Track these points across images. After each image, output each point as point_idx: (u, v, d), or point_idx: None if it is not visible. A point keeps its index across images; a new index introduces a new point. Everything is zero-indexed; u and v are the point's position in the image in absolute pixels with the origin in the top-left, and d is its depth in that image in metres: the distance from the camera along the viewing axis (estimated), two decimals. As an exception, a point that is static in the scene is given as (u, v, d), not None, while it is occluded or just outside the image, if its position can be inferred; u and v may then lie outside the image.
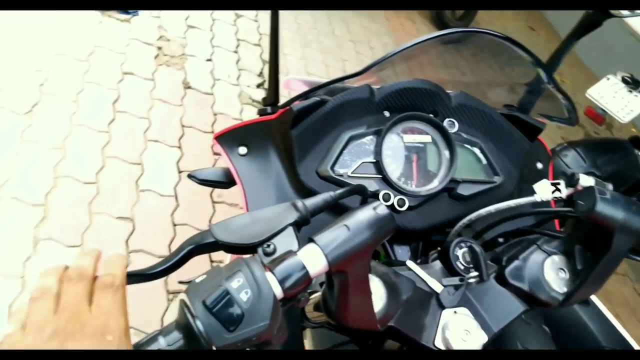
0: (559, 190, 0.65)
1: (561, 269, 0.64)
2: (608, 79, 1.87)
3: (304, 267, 0.46)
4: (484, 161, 0.80)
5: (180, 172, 2.19)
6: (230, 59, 2.89)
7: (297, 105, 0.73)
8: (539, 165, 0.90)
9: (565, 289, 0.63)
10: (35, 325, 0.39)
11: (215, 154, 2.35)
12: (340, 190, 0.59)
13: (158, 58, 2.61)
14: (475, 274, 0.64)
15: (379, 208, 0.50)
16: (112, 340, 0.38)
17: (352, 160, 0.76)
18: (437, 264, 0.67)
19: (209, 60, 2.79)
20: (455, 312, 0.62)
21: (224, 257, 0.72)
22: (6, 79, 2.09)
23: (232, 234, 0.51)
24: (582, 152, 1.02)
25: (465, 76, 0.97)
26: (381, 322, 0.57)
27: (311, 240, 0.48)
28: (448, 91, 0.79)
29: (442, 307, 0.62)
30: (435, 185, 0.77)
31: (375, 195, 0.75)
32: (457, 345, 0.59)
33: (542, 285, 0.63)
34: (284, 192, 0.77)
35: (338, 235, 0.48)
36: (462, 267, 0.65)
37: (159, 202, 2.05)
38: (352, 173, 0.76)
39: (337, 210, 0.71)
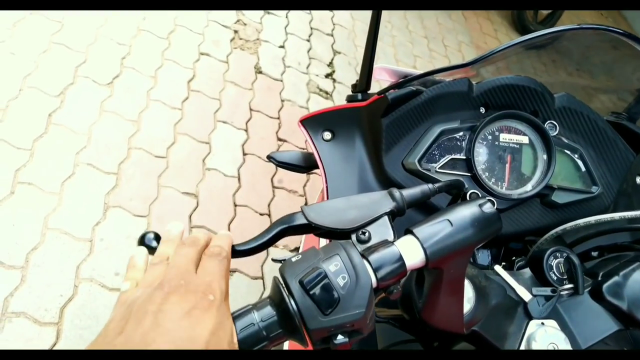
0: (674, 207, 0.59)
1: None
2: None
3: (400, 259, 0.44)
4: (583, 169, 0.75)
5: (245, 154, 2.23)
6: (302, 47, 2.90)
7: (392, 93, 0.71)
8: (638, 180, 0.83)
9: None
10: (147, 282, 0.40)
11: (280, 139, 2.38)
12: (439, 184, 0.56)
13: (234, 41, 2.66)
14: (569, 286, 0.60)
15: (486, 206, 0.48)
16: (213, 301, 0.38)
17: (440, 155, 0.73)
18: (527, 272, 0.64)
19: (282, 47, 2.81)
20: (542, 323, 0.59)
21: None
22: (91, 51, 2.19)
23: (325, 217, 0.50)
24: None
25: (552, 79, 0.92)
26: (467, 325, 0.55)
27: (409, 231, 0.47)
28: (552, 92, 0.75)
29: (530, 318, 0.59)
30: (528, 189, 0.73)
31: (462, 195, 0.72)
32: (543, 358, 0.56)
33: None
34: (366, 181, 0.76)
35: (439, 229, 0.46)
36: (555, 278, 0.61)
37: (222, 182, 2.09)
38: (439, 168, 0.73)
39: (422, 206, 0.69)
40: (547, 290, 0.60)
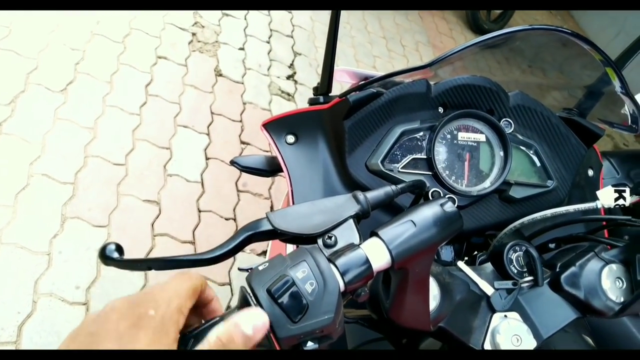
0: (623, 198, 0.62)
1: (619, 278, 0.62)
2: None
3: (367, 261, 0.45)
4: (538, 164, 0.77)
5: (207, 159, 2.20)
6: (262, 49, 2.88)
7: (353, 96, 0.71)
8: (590, 172, 0.87)
9: (622, 299, 0.61)
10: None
11: (243, 142, 2.36)
12: (402, 185, 0.57)
13: (192, 44, 2.62)
14: (529, 278, 0.62)
15: (447, 205, 0.49)
16: (153, 316, 0.38)
17: (402, 155, 0.75)
18: (488, 267, 0.65)
19: (241, 49, 2.79)
20: (505, 316, 0.61)
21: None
22: (43, 57, 2.11)
23: (290, 222, 0.50)
24: (615, 163, 1.00)
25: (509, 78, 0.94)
26: (433, 322, 0.56)
27: (375, 234, 0.47)
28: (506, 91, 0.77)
29: (493, 311, 0.61)
30: (486, 185, 0.75)
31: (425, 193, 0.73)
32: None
33: (598, 293, 0.61)
34: (331, 183, 0.76)
35: (404, 230, 0.46)
36: (515, 271, 0.63)
37: (185, 188, 2.06)
38: (402, 168, 0.74)
39: (387, 207, 0.70)
40: (508, 284, 0.62)
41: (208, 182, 2.11)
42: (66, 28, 2.27)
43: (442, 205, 0.49)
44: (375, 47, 3.52)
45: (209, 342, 0.39)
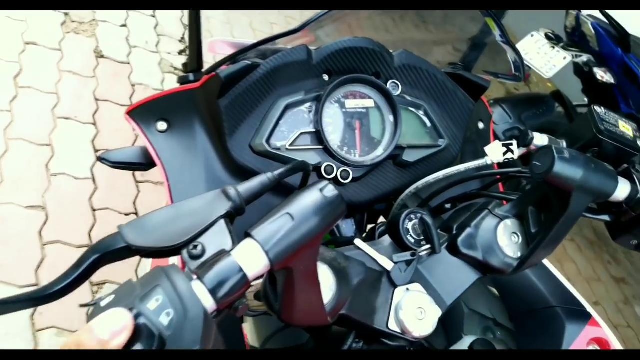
0: (511, 151, 0.61)
1: (514, 233, 0.62)
2: (532, 35, 1.90)
3: (240, 270, 0.38)
4: (429, 124, 0.75)
5: (96, 151, 2.02)
6: (148, 23, 2.66)
7: (225, 70, 0.64)
8: (481, 125, 0.87)
9: (519, 254, 0.61)
10: None
11: (137, 129, 2.18)
12: (279, 170, 0.51)
13: (65, 25, 2.36)
14: (427, 246, 0.60)
15: (327, 189, 0.43)
16: None
17: (289, 131, 0.69)
18: (387, 240, 0.62)
19: (124, 25, 2.55)
20: (407, 289, 0.58)
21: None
22: None
23: (148, 235, 0.42)
24: (507, 108, 1.04)
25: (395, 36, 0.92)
26: (331, 314, 0.52)
27: (248, 235, 0.41)
28: (390, 51, 0.73)
29: (394, 286, 0.58)
30: (379, 153, 0.72)
31: (317, 169, 0.68)
32: (412, 325, 0.55)
33: (495, 252, 0.60)
34: (214, 172, 0.69)
35: (280, 226, 0.40)
36: (412, 241, 0.60)
37: (74, 187, 1.88)
38: (290, 146, 0.68)
39: (278, 189, 0.64)
40: (407, 255, 0.59)
41: (100, 176, 1.94)
42: None
43: (321, 190, 0.43)
44: (272, 14, 3.38)
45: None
